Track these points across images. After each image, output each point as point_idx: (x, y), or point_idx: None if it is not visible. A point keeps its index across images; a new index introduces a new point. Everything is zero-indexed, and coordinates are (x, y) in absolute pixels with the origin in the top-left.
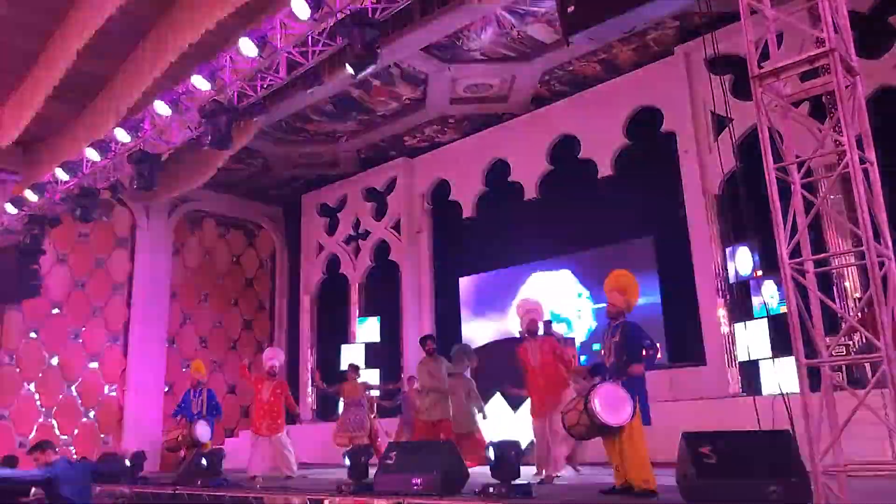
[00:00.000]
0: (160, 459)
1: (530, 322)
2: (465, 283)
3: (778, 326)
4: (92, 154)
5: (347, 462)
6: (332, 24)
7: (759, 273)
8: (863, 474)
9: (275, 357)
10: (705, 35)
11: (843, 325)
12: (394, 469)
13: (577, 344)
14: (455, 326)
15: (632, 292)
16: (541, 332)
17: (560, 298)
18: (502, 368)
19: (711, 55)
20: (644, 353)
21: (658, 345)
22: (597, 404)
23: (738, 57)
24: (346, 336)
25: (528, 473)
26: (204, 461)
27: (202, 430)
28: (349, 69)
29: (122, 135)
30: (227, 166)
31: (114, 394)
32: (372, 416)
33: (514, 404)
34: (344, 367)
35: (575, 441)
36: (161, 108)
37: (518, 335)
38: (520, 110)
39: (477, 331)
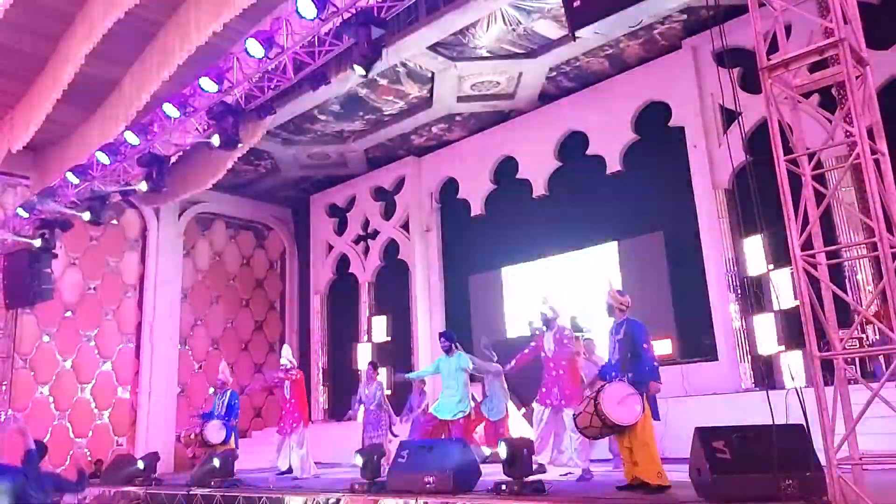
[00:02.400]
0: (174, 460)
1: (542, 315)
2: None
3: (788, 320)
4: (102, 157)
5: (359, 461)
6: (338, 23)
7: (771, 266)
8: (878, 467)
9: (286, 355)
10: (713, 28)
11: (857, 318)
12: (407, 467)
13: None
14: (466, 324)
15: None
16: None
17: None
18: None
19: (719, 48)
20: (646, 356)
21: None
22: (606, 404)
23: (746, 50)
24: (356, 335)
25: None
26: (217, 462)
27: (213, 431)
28: (356, 68)
29: (131, 137)
30: (235, 168)
31: (127, 396)
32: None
33: (522, 403)
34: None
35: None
36: (169, 110)
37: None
38: (527, 107)
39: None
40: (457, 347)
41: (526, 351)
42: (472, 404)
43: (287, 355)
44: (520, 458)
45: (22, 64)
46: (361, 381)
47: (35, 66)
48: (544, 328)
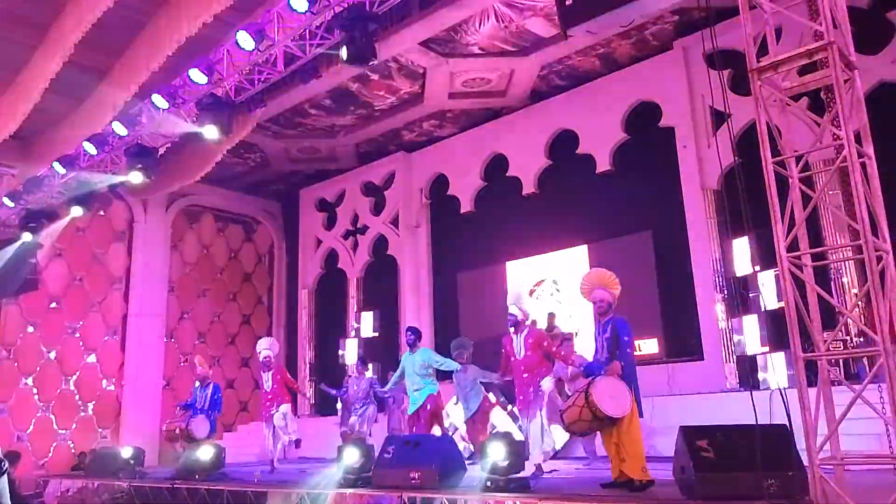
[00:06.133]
0: (159, 454)
1: (510, 316)
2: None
3: (774, 321)
4: (89, 147)
5: (345, 456)
6: (329, 17)
7: (758, 268)
8: (859, 468)
9: (269, 347)
10: (704, 29)
11: (841, 319)
12: (392, 463)
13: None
14: (454, 321)
15: (613, 284)
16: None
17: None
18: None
19: (710, 50)
20: (626, 349)
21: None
22: (598, 397)
23: (736, 52)
24: (344, 330)
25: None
26: (202, 456)
27: (198, 426)
28: (346, 63)
29: (119, 128)
30: (224, 161)
31: (112, 388)
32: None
33: (504, 400)
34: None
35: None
36: (158, 101)
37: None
38: (518, 105)
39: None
40: (419, 343)
41: (502, 359)
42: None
43: (266, 346)
44: (506, 454)
45: (10, 52)
46: (350, 377)
47: (23, 55)
48: (511, 330)
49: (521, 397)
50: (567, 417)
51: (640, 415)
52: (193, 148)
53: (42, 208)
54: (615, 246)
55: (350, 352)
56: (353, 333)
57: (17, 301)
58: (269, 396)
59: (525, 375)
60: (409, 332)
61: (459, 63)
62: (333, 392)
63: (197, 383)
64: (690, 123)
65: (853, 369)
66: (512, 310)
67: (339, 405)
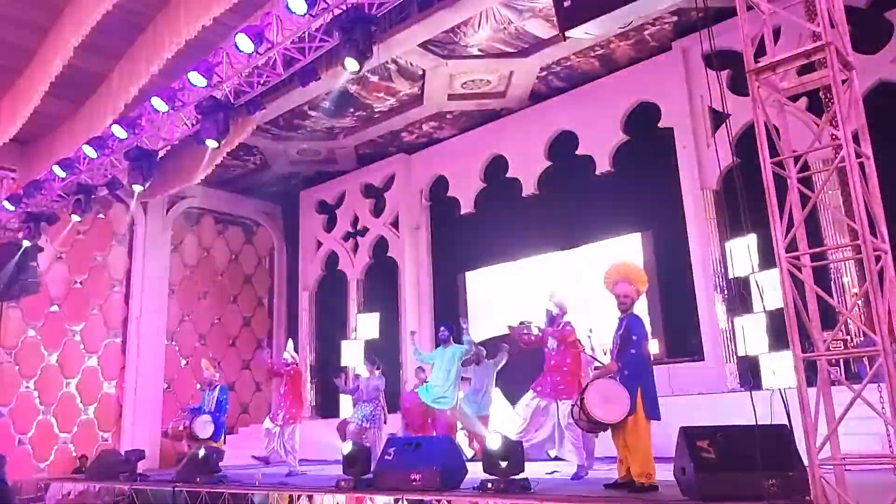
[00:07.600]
0: (159, 456)
1: (547, 311)
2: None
3: (774, 321)
4: (89, 151)
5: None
6: (328, 19)
7: (757, 268)
8: (860, 468)
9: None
10: (703, 30)
11: (840, 319)
12: (393, 464)
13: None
14: (455, 323)
15: (640, 280)
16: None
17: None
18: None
19: (708, 50)
20: (636, 349)
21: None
22: (589, 400)
23: (735, 52)
24: (345, 333)
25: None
26: (202, 458)
27: (202, 426)
28: (346, 65)
29: (119, 131)
30: (224, 163)
31: (113, 391)
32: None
33: (512, 398)
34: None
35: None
36: (158, 104)
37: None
38: (518, 106)
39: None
40: (453, 341)
41: (533, 337)
42: (459, 397)
43: (290, 350)
44: (506, 456)
45: (9, 56)
46: (360, 377)
47: (23, 58)
48: (541, 327)
49: (538, 388)
50: (574, 415)
51: (657, 417)
52: (193, 150)
53: (42, 211)
54: (615, 246)
55: (350, 354)
56: (353, 336)
57: (17, 304)
58: (284, 403)
59: (553, 363)
60: (443, 329)
61: (459, 64)
62: (341, 388)
63: (199, 385)
64: (689, 124)
65: (853, 369)
66: (548, 305)
67: (350, 402)
